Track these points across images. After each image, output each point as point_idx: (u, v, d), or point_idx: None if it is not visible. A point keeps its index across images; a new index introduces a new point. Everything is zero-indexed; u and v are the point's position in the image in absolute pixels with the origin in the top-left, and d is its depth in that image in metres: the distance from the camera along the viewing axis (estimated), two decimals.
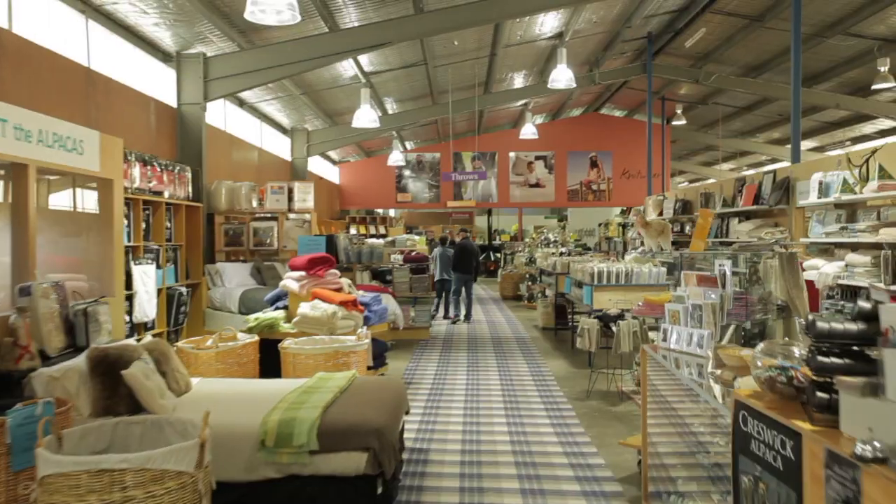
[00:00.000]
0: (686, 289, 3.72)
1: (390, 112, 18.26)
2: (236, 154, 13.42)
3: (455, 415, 6.46)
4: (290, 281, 7.13)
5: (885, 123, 19.18)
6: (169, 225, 8.56)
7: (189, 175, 9.14)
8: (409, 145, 24.58)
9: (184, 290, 8.51)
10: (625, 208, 28.36)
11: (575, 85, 13.25)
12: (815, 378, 1.93)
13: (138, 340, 5.07)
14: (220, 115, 13.03)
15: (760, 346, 2.28)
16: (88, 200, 6.91)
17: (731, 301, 3.53)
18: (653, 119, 17.82)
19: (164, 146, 9.94)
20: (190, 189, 9.14)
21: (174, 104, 10.32)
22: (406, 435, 5.54)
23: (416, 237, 18.90)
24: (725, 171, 29.18)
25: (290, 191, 10.85)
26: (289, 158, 17.72)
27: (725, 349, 3.26)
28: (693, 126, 23.87)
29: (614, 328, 6.67)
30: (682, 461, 4.20)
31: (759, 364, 2.16)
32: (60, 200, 6.59)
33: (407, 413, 5.12)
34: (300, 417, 3.96)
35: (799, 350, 2.13)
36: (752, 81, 17.36)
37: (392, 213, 31.91)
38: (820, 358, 1.86)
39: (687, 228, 12.09)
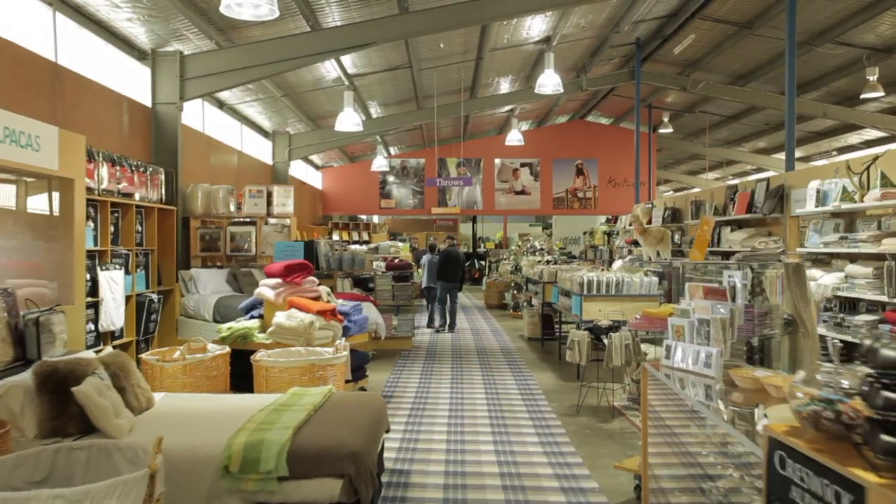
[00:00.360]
0: (691, 302, 3.42)
1: (374, 116, 17.93)
2: (215, 157, 13.02)
3: (438, 432, 6.12)
4: (266, 289, 6.76)
5: (872, 133, 19.14)
6: (140, 228, 8.16)
7: (162, 177, 8.74)
8: (393, 151, 24.26)
9: (155, 296, 8.11)
10: (610, 217, 28.24)
11: (562, 90, 13.02)
12: (874, 416, 1.62)
13: (97, 352, 4.71)
14: (198, 116, 12.64)
15: (801, 374, 1.97)
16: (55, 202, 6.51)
17: (741, 316, 3.23)
18: (642, 126, 17.64)
19: (137, 147, 9.54)
20: (163, 191, 8.75)
21: (149, 103, 9.94)
22: (386, 454, 5.19)
23: (400, 244, 18.60)
24: (710, 181, 29.13)
25: (270, 195, 10.49)
26: (270, 162, 17.33)
27: (738, 370, 2.95)
28: (679, 134, 23.76)
29: (606, 341, 6.37)
30: (684, 486, 3.90)
31: (800, 395, 1.85)
32: (25, 201, 6.19)
33: (387, 432, 4.78)
34: (268, 440, 3.60)
35: (847, 380, 1.81)
36: (740, 90, 17.22)
37: (376, 219, 31.56)
38: (886, 393, 1.55)
39: (676, 237, 11.85)
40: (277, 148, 17.46)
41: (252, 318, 6.99)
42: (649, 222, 13.04)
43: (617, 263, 14.24)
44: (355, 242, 22.80)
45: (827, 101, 17.09)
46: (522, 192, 24.52)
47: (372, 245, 16.32)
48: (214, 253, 10.52)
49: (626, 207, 23.58)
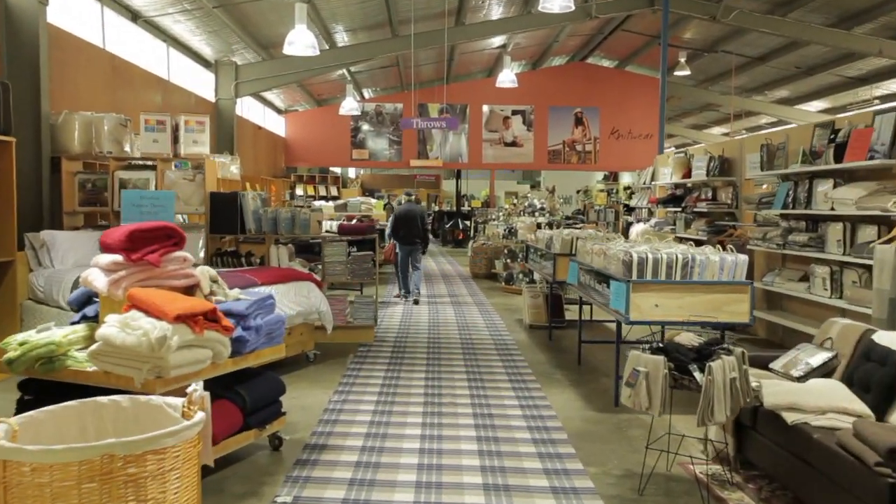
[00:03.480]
0: None
1: (340, 44, 14.82)
2: (124, 85, 9.96)
3: None
4: (96, 271, 3.89)
5: None
6: None
7: None
8: (367, 94, 21.14)
9: None
10: (608, 173, 25.37)
11: (573, 7, 10.03)
12: None
13: None
14: (96, 26, 9.54)
15: None
16: None
17: None
18: (651, 70, 14.74)
19: None
20: None
21: None
22: None
23: (373, 201, 15.58)
24: (718, 136, 26.24)
25: (176, 128, 7.54)
26: (212, 99, 14.23)
27: None
28: (692, 80, 20.78)
29: (698, 376, 3.54)
30: None
31: None
32: None
33: None
34: None
35: None
36: (780, 20, 14.27)
37: (352, 173, 28.50)
38: None
39: (725, 196, 9.05)
40: (222, 81, 14.35)
41: (86, 319, 4.13)
42: (685, 176, 10.20)
43: (637, 228, 11.43)
44: (322, 198, 19.85)
45: (883, 37, 14.23)
46: (513, 144, 21.57)
47: (339, 202, 13.30)
48: (99, 208, 7.64)
49: (629, 162, 20.77)
